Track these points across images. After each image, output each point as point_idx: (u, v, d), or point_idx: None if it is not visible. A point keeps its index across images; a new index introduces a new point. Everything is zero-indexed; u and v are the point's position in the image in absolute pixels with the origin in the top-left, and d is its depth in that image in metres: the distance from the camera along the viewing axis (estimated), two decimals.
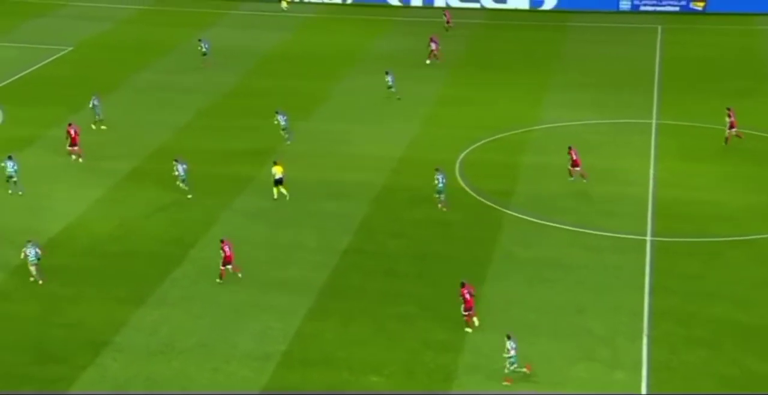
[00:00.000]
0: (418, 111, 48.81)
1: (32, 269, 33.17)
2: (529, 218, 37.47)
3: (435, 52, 56.23)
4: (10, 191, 39.50)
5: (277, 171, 39.31)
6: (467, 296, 30.61)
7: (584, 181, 39.91)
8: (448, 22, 62.93)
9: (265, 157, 42.77)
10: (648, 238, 36.06)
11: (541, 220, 37.31)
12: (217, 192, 39.69)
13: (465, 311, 30.62)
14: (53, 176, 40.86)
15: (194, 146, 44.27)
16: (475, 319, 30.74)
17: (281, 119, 44.88)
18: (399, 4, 69.67)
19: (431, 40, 56.76)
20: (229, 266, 33.30)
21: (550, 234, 36.32)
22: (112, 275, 33.55)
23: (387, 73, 50.45)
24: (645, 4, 67.18)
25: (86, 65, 55.74)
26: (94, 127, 45.72)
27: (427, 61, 56.03)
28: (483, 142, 44.81)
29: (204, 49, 56.19)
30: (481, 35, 62.61)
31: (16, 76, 53.52)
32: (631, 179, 40.85)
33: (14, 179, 39.43)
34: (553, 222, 37.11)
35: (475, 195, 39.58)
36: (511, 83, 52.89)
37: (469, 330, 30.58)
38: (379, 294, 32.61)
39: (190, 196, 38.95)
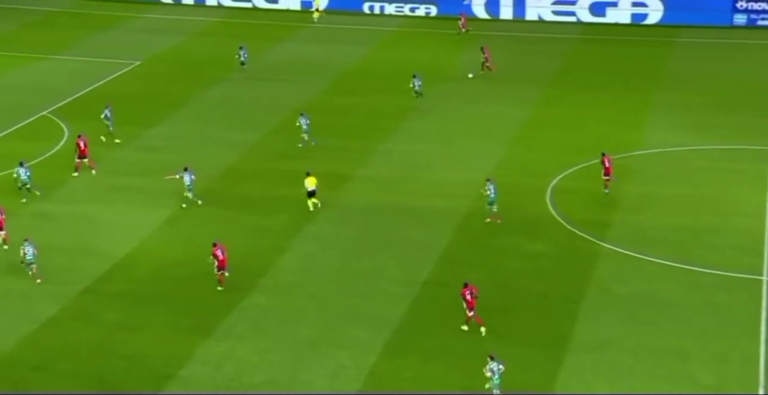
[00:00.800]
0: (506, 133, 48.44)
1: (32, 267, 34.47)
2: (626, 252, 36.70)
3: (488, 63, 56.08)
4: (23, 200, 40.63)
5: (310, 183, 40.27)
6: (468, 296, 31.91)
7: (605, 191, 40.19)
8: (463, 27, 62.72)
9: (341, 180, 42.86)
10: (765, 277, 34.98)
11: (640, 254, 36.52)
12: (289, 217, 39.85)
13: (469, 311, 31.96)
14: (117, 197, 41.46)
15: (265, 166, 44.55)
16: (482, 329, 31.77)
17: (303, 122, 46.24)
18: (487, 17, 69.58)
19: (483, 50, 56.65)
20: (224, 271, 34.43)
21: (650, 269, 35.48)
22: (177, 304, 33.77)
23: (414, 76, 51.22)
24: (764, 18, 65.71)
25: (155, 80, 56.69)
26: (104, 139, 46.29)
27: (470, 75, 55.95)
28: (577, 167, 44.20)
29: (242, 58, 57.22)
30: (576, 51, 62.05)
31: (83, 92, 54.60)
32: (743, 211, 39.78)
33: (27, 186, 40.57)
34: (654, 257, 36.28)
35: (566, 225, 39.01)
36: (610, 104, 52.17)
37: (465, 328, 31.99)
38: (461, 330, 32.26)
39: (200, 202, 40.33)
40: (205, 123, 50.18)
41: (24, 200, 40.80)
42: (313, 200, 40.22)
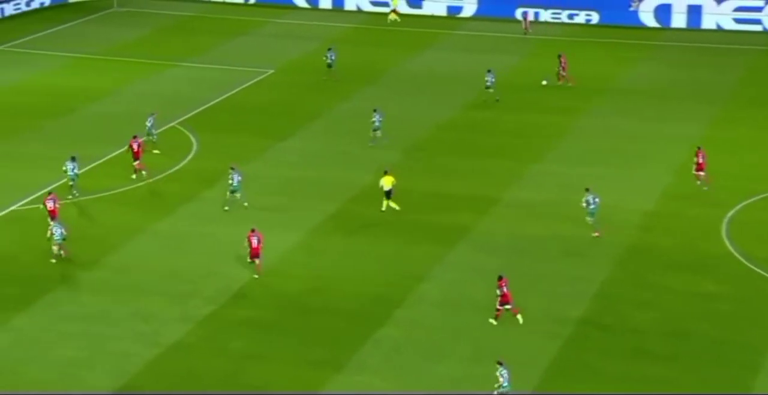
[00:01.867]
0: (674, 156, 47.22)
1: (55, 248, 37.33)
2: None
3: (563, 73, 55.73)
4: (70, 197, 42.69)
5: (387, 182, 41.30)
6: (505, 289, 33.97)
7: (705, 189, 39.07)
8: (526, 29, 62.61)
9: (486, 204, 42.52)
10: None
11: None
12: (430, 243, 39.69)
13: (500, 305, 33.98)
14: (246, 216, 41.88)
15: (404, 186, 44.64)
16: (519, 316, 33.92)
17: (376, 118, 48.07)
18: (657, 25, 68.18)
19: (559, 58, 56.37)
20: (257, 260, 36.45)
21: None
22: (306, 334, 33.90)
23: (489, 71, 53.70)
24: None
25: (288, 89, 57.44)
26: (157, 152, 47.65)
27: (544, 82, 55.93)
28: (759, 197, 42.78)
29: (329, 61, 57.91)
30: (761, 64, 60.21)
31: (214, 101, 55.77)
32: None
33: (71, 183, 42.92)
34: None
35: (746, 263, 37.70)
36: None
37: (493, 322, 33.98)
38: (620, 378, 31.36)
39: (246, 204, 41.87)
40: (339, 138, 50.60)
41: (70, 197, 42.81)
42: (390, 201, 41.15)
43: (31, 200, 43.10)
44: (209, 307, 35.29)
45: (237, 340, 33.66)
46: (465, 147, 49.17)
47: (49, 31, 69.09)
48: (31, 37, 67.61)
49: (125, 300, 35.76)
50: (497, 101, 49.85)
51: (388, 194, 41.36)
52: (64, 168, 43.30)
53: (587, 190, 40.00)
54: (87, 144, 48.96)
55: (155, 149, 48.00)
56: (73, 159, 43.55)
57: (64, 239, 37.78)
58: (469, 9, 72.58)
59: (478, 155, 47.87)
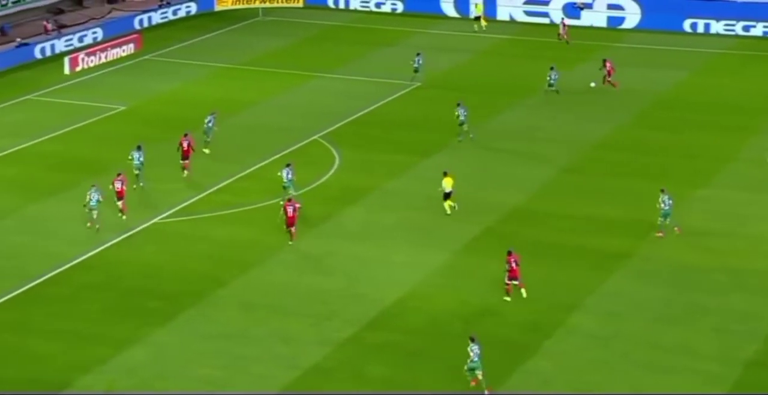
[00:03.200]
0: None
1: (93, 213, 41.49)
2: None
3: (609, 78, 57.54)
4: (134, 186, 45.43)
5: (447, 184, 43.12)
6: (513, 264, 36.79)
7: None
8: (560, 36, 64.04)
9: (648, 230, 41.79)
10: None
11: None
12: (583, 271, 39.16)
13: (509, 280, 36.97)
14: (389, 235, 42.18)
15: (556, 209, 44.14)
16: (523, 290, 36.89)
17: (461, 112, 50.50)
18: None
19: (604, 63, 58.28)
20: (292, 229, 40.59)
21: None
22: (450, 361, 33.59)
23: (552, 68, 56.16)
24: None
25: (436, 104, 57.43)
26: (207, 151, 49.63)
27: (592, 84, 57.41)
28: None
29: (416, 65, 58.98)
30: None
31: (358, 114, 56.13)
32: None
33: (137, 172, 45.69)
34: None
35: None
36: None
37: (507, 298, 36.75)
38: None
39: (294, 192, 44.20)
40: (490, 155, 50.46)
41: (135, 187, 45.65)
42: (450, 202, 43.07)
43: (174, 213, 44.28)
44: (349, 330, 35.50)
45: (377, 366, 33.73)
46: (624, 168, 48.38)
47: (195, 40, 70.98)
48: (177, 46, 69.55)
49: (263, 319, 36.27)
50: (472, 137, 50.83)
51: (447, 196, 43.20)
52: (129, 157, 46.18)
53: (662, 190, 41.46)
54: (226, 157, 50.02)
55: (206, 148, 49.68)
56: (138, 148, 46.29)
57: (98, 203, 41.67)
58: (632, 20, 71.53)
59: (637, 177, 47.05)
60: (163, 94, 58.35)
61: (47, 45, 66.48)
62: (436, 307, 37.04)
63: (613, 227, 42.44)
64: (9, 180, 47.76)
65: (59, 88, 60.80)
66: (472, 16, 73.19)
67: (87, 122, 54.01)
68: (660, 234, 41.20)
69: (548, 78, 57.10)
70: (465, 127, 50.66)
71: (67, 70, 63.17)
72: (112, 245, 41.38)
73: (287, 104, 58.41)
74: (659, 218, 41.25)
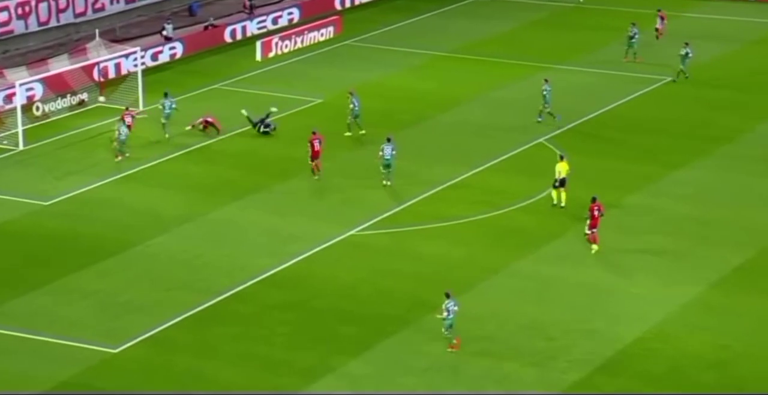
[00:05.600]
0: None
1: (122, 146, 49.40)
2: None
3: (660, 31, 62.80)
4: (166, 135, 51.54)
5: (561, 169, 44.63)
6: (596, 213, 40.97)
7: None
8: (659, 32, 63.48)
9: None
10: None
11: None
12: None
13: (590, 229, 41.25)
14: (628, 261, 41.29)
15: None
16: (594, 246, 41.21)
17: (546, 89, 52.88)
18: None
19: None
20: (317, 161, 47.16)
21: None
22: None
23: (686, 44, 58.86)
24: None
25: (691, 104, 56.53)
26: (350, 134, 52.48)
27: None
28: None
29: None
30: None
31: (592, 114, 55.51)
32: None
33: (164, 122, 51.63)
34: None
35: None
36: None
37: (595, 247, 41.20)
38: None
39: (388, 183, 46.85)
40: (751, 168, 49.16)
41: (167, 136, 51.42)
42: (562, 191, 44.58)
43: (374, 224, 44.35)
44: (577, 372, 34.72)
45: None
46: None
47: (402, 23, 71.26)
48: (382, 30, 69.98)
49: (476, 353, 35.78)
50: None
51: (560, 184, 44.59)
52: (160, 106, 52.01)
53: None
54: (433, 161, 50.02)
55: (348, 131, 52.36)
56: (166, 95, 52.34)
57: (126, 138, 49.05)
58: None
59: None
60: (364, 86, 58.54)
61: (238, 27, 67.78)
62: (684, 351, 36.06)
63: None
64: (193, 179, 48.73)
65: (249, 76, 61.91)
66: None
67: (278, 116, 54.64)
68: None
69: (683, 53, 56.86)
70: (547, 107, 53.08)
71: (258, 56, 64.33)
72: (303, 259, 41.66)
73: (507, 99, 58.00)
74: None
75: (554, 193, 45.00)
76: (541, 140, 52.29)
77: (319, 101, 57.76)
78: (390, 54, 65.59)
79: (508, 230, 43.89)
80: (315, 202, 46.40)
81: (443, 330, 35.57)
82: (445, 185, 47.70)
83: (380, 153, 46.94)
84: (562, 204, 44.81)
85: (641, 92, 58.39)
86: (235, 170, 49.43)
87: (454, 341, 35.59)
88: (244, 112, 52.88)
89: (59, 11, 64.78)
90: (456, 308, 35.43)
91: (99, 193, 46.99)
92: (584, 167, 48.69)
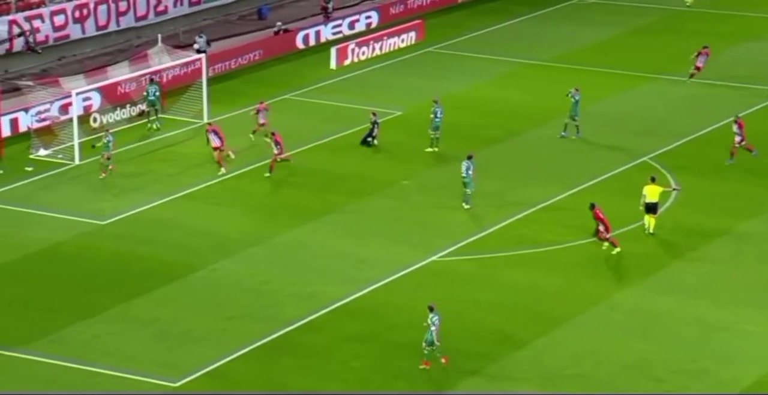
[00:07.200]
0: None
1: (103, 157, 49.71)
2: None
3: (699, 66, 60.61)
4: (155, 126, 54.80)
5: (652, 194, 44.28)
6: (602, 215, 42.74)
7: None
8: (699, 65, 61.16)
9: None
10: None
11: None
12: None
13: (607, 232, 43.10)
14: (741, 295, 41.02)
15: None
16: (605, 244, 43.46)
17: (573, 94, 53.61)
18: None
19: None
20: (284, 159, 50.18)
21: None
22: None
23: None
24: None
25: None
26: (430, 150, 52.82)
27: None
28: None
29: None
30: None
31: (704, 131, 55.21)
32: None
33: (153, 109, 54.93)
34: None
35: None
36: None
37: (617, 250, 43.16)
38: None
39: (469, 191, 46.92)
40: None
41: (154, 127, 54.66)
42: (653, 218, 44.53)
43: (457, 250, 44.26)
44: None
45: None
46: None
47: (491, 28, 71.33)
48: (469, 35, 70.07)
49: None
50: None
51: (651, 209, 44.41)
52: (144, 93, 55.25)
53: None
54: (523, 182, 49.97)
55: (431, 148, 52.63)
56: (152, 81, 55.49)
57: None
58: None
59: None
60: (448, 97, 58.37)
61: (311, 32, 68.14)
62: None
63: None
64: (258, 198, 49.00)
65: (322, 85, 62.19)
66: None
67: (353, 130, 54.84)
68: None
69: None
70: (577, 120, 53.98)
71: (333, 63, 64.63)
72: (379, 287, 41.67)
73: (608, 113, 57.83)
74: None
75: (646, 219, 44.96)
76: (644, 158, 52.00)
77: (399, 113, 57.81)
78: (477, 62, 65.64)
79: (607, 258, 43.67)
80: (391, 224, 46.43)
81: (423, 344, 36.37)
82: (537, 207, 47.56)
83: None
84: (651, 230, 44.74)
85: (759, 106, 58.07)
86: (304, 189, 49.64)
87: (443, 360, 36.39)
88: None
89: (119, 14, 65.55)
90: (439, 323, 36.38)
91: (159, 212, 47.41)
92: (693, 189, 48.40)
